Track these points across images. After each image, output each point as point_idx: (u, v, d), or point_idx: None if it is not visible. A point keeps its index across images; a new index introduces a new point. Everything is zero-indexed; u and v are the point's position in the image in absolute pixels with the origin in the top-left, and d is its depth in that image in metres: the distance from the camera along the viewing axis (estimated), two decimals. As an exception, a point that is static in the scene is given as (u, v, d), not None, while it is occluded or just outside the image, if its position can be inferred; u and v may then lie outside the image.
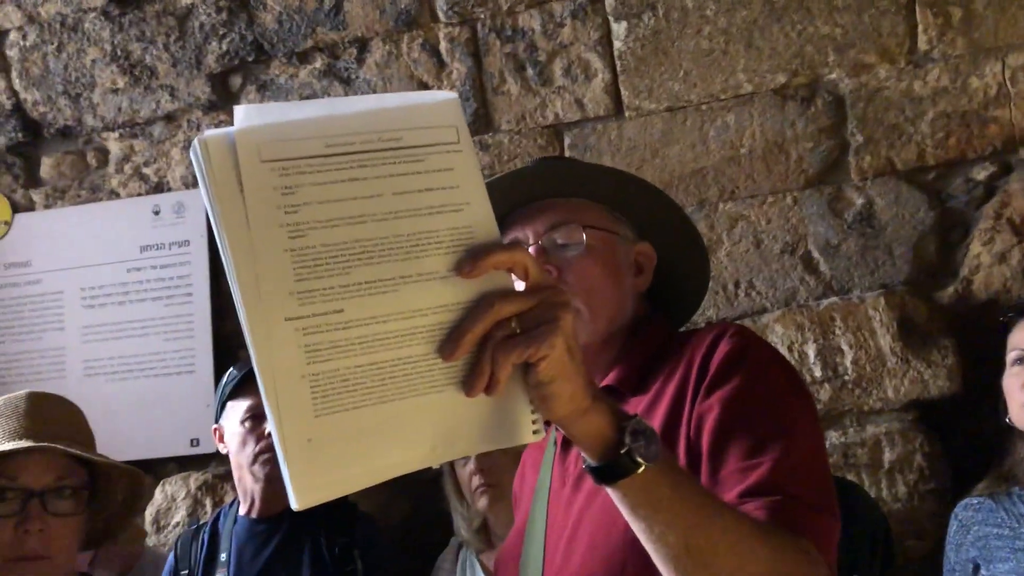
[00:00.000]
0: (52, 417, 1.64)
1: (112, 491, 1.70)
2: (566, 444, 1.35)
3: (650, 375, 1.31)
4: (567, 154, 3.04)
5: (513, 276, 0.86)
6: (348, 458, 0.82)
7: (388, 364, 0.80)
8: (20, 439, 1.54)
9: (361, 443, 0.81)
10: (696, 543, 0.94)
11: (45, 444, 1.56)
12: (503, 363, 0.82)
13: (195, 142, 0.74)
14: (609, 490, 0.94)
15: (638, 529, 0.96)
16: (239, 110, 0.75)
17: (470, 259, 0.82)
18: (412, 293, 0.80)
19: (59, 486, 1.58)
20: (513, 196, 1.41)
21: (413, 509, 3.00)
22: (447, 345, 0.82)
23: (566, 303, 0.84)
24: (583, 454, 0.95)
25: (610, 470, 0.91)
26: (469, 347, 0.82)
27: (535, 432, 0.88)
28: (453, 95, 0.83)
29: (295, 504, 0.81)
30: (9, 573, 1.51)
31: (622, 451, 0.90)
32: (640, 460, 0.90)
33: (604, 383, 1.34)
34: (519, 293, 0.84)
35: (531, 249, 1.36)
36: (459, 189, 0.81)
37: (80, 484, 1.61)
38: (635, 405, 1.28)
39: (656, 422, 1.21)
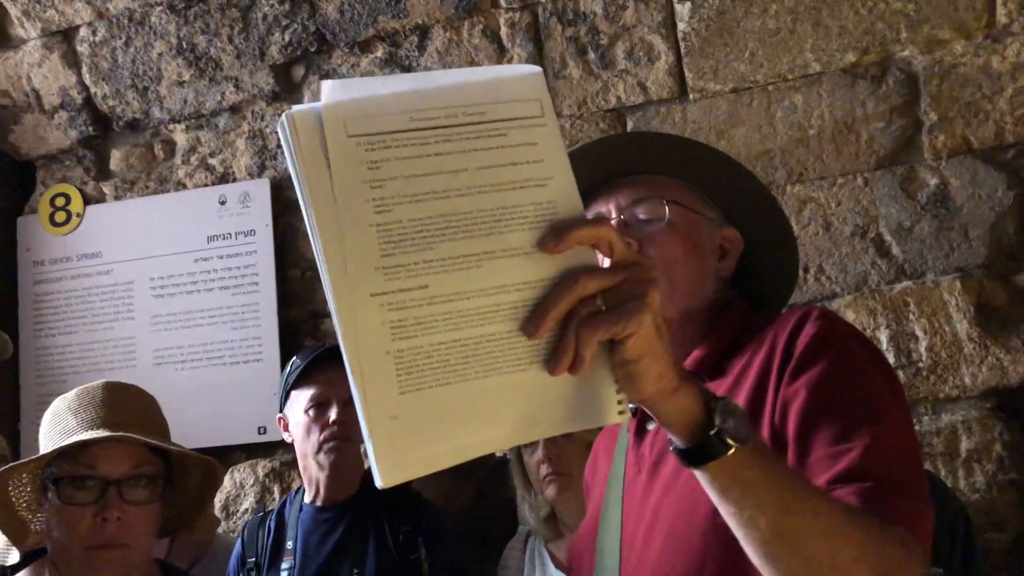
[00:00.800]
0: (128, 407, 1.67)
1: (187, 480, 1.73)
2: (639, 432, 1.33)
3: (730, 359, 1.29)
4: (630, 138, 3.00)
5: (598, 252, 0.85)
6: (431, 437, 0.81)
7: (471, 341, 0.80)
8: (98, 429, 1.57)
9: (444, 422, 0.81)
10: (787, 527, 0.92)
11: (123, 434, 1.58)
12: (588, 341, 0.80)
13: (283, 117, 0.76)
14: (697, 473, 0.92)
15: (727, 513, 0.93)
16: (326, 85, 0.76)
17: (554, 234, 0.80)
18: (496, 269, 0.79)
19: (136, 474, 1.60)
20: (598, 169, 1.37)
21: (476, 496, 3.00)
22: (530, 322, 0.80)
23: (653, 279, 0.82)
24: (670, 436, 0.92)
25: (699, 452, 0.89)
26: (552, 324, 0.80)
27: (620, 412, 0.85)
28: (537, 68, 0.82)
29: (379, 483, 0.79)
30: (89, 561, 1.54)
31: (712, 432, 0.88)
32: (731, 441, 0.88)
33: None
34: (604, 269, 0.83)
35: (612, 223, 1.32)
36: (543, 163, 0.80)
37: (156, 473, 1.64)
38: (714, 389, 1.23)
39: None
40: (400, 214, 0.77)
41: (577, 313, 0.80)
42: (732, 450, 0.88)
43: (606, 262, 0.85)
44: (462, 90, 0.78)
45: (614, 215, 1.34)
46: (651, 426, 1.31)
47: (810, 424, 1.10)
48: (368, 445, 0.80)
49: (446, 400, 0.80)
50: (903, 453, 1.09)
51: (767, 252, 1.45)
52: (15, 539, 1.56)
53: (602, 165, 1.37)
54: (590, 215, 1.36)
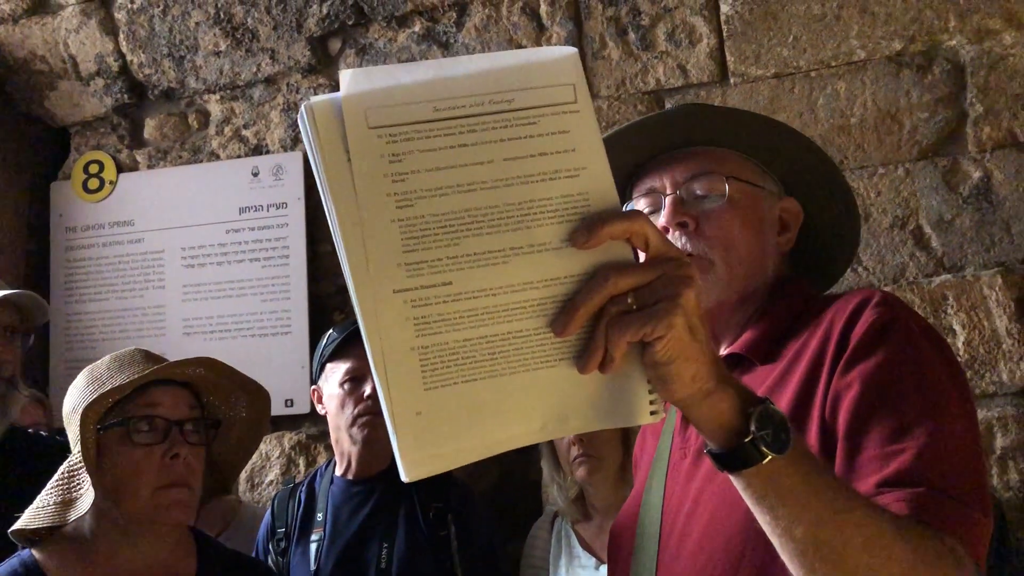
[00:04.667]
0: (164, 360, 1.69)
1: (228, 432, 1.75)
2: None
3: (783, 343, 1.22)
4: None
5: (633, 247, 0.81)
6: (457, 432, 0.80)
7: (498, 338, 0.78)
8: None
9: (470, 418, 0.80)
10: (825, 538, 0.87)
11: (207, 357, 1.68)
12: (617, 341, 0.77)
13: (302, 108, 0.72)
14: (732, 477, 0.88)
15: (763, 519, 0.89)
16: (345, 75, 0.73)
17: (585, 229, 0.77)
18: (523, 265, 0.76)
19: (193, 417, 1.63)
20: (653, 142, 1.32)
21: (502, 477, 3.00)
22: (559, 320, 0.78)
23: (688, 277, 0.78)
24: (705, 438, 0.89)
25: (733, 458, 0.85)
26: (582, 323, 0.78)
27: (653, 413, 0.82)
28: (572, 50, 0.76)
29: (404, 476, 0.79)
30: (158, 501, 1.56)
31: (746, 439, 0.84)
32: (766, 450, 0.84)
33: (731, 349, 1.26)
34: (637, 266, 0.79)
35: (667, 199, 1.28)
36: (575, 153, 0.76)
37: (204, 418, 1.68)
38: (764, 375, 1.20)
39: (786, 396, 1.13)
40: (423, 209, 0.74)
41: (608, 312, 0.78)
42: (767, 459, 0.84)
43: (643, 256, 0.81)
44: (489, 77, 0.74)
45: (669, 190, 1.29)
46: None
47: (861, 420, 1.04)
48: (392, 439, 0.79)
49: (473, 396, 0.79)
50: (961, 454, 1.02)
51: (827, 224, 1.39)
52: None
53: (656, 139, 1.32)
54: (644, 189, 1.33)
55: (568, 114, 0.75)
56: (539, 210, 0.76)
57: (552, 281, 0.77)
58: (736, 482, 0.88)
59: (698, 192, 1.29)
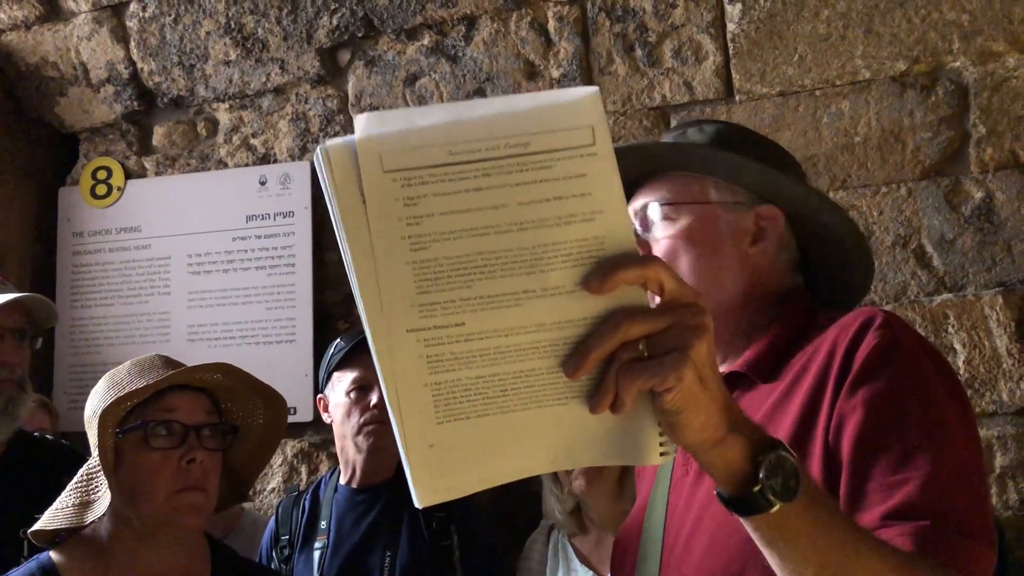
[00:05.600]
0: (184, 366, 1.70)
1: (244, 441, 1.77)
2: None
3: (785, 360, 1.22)
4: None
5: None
6: (468, 464, 0.82)
7: (510, 376, 0.79)
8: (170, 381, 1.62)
9: (482, 450, 0.81)
10: None
11: (226, 363, 1.69)
12: (627, 388, 0.77)
13: (318, 149, 0.72)
14: (741, 520, 0.88)
15: (771, 560, 0.89)
16: (360, 118, 0.72)
17: (598, 274, 0.76)
18: (536, 308, 0.77)
19: (210, 422, 1.64)
20: (628, 172, 1.36)
21: (501, 488, 3.00)
22: (570, 362, 0.78)
23: (701, 326, 0.78)
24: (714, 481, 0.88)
25: (742, 504, 0.85)
26: (593, 366, 0.78)
27: (663, 454, 0.82)
28: (594, 90, 0.75)
29: (418, 504, 0.82)
30: (174, 505, 1.58)
31: (755, 489, 0.83)
32: (774, 499, 0.83)
33: (733, 368, 1.27)
34: (650, 312, 0.78)
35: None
36: (591, 197, 0.75)
37: (221, 424, 1.70)
38: (766, 394, 1.20)
39: (789, 417, 1.13)
40: (437, 251, 0.74)
41: (619, 357, 0.77)
42: (776, 507, 0.83)
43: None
44: (505, 120, 0.73)
45: (635, 221, 1.34)
46: None
47: (865, 447, 1.04)
48: (406, 468, 0.81)
49: (484, 430, 0.80)
50: (964, 483, 1.02)
51: (827, 232, 1.36)
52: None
53: (632, 165, 1.34)
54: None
55: (585, 157, 0.74)
56: (553, 254, 0.76)
57: (565, 323, 0.77)
58: (745, 524, 0.88)
59: (652, 219, 1.33)
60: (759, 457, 0.84)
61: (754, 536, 0.89)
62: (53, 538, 1.60)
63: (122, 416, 1.60)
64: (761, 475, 0.83)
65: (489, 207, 0.74)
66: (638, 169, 1.37)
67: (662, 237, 1.31)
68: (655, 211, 1.32)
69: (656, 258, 0.79)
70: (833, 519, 0.90)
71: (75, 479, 1.61)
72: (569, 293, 0.76)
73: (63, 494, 1.61)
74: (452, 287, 0.76)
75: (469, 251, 0.75)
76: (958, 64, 2.77)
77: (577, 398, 0.80)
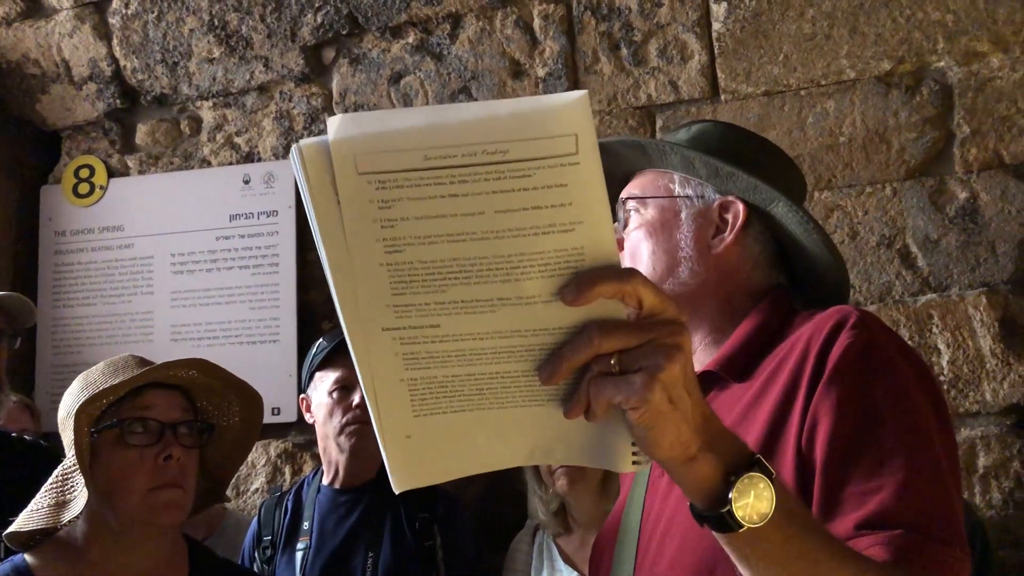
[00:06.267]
0: (157, 365, 1.69)
1: (221, 438, 1.76)
2: None
3: (758, 360, 1.20)
4: (659, 136, 2.99)
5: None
6: (446, 453, 0.82)
7: (486, 376, 0.78)
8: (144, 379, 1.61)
9: (459, 442, 0.82)
10: None
11: (199, 359, 1.68)
12: (598, 400, 0.76)
13: (293, 148, 0.71)
14: (713, 533, 0.86)
15: (744, 572, 0.88)
16: (333, 120, 0.70)
17: (574, 287, 0.74)
18: (511, 315, 0.76)
19: (186, 419, 1.63)
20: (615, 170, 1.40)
21: (487, 487, 3.00)
22: (544, 369, 0.77)
23: (675, 345, 0.76)
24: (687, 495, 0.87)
25: (713, 520, 0.84)
26: (567, 375, 0.77)
27: (635, 463, 0.82)
28: (580, 95, 0.70)
29: (395, 488, 0.83)
30: (151, 502, 1.57)
31: (724, 510, 0.82)
32: (743, 521, 0.82)
33: (707, 367, 1.26)
34: (626, 327, 0.76)
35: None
36: (571, 207, 0.72)
37: (197, 421, 1.69)
38: (739, 393, 1.19)
39: (760, 418, 1.12)
40: (411, 255, 0.73)
41: (592, 368, 0.76)
42: (746, 527, 0.82)
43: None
44: (484, 126, 0.70)
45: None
46: None
47: (839, 453, 1.02)
48: (384, 456, 0.81)
49: (460, 425, 0.80)
50: (939, 490, 1.00)
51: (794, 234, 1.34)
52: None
53: (613, 168, 1.38)
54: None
55: (567, 167, 0.71)
56: (529, 264, 0.74)
57: (540, 331, 0.77)
58: (717, 537, 0.87)
59: (623, 216, 1.37)
60: (731, 477, 0.82)
61: (726, 548, 0.88)
62: (29, 540, 1.58)
63: (97, 415, 1.58)
64: (732, 495, 0.82)
65: (465, 214, 0.72)
66: (616, 170, 1.40)
67: (631, 231, 1.34)
68: (625, 207, 1.36)
69: (636, 272, 0.77)
70: (807, 533, 0.88)
71: (50, 479, 1.59)
72: (545, 303, 0.75)
73: (38, 495, 1.59)
74: (427, 291, 0.75)
75: (444, 256, 0.73)
76: (942, 64, 2.78)
77: (553, 401, 0.79)
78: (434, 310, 0.75)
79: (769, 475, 0.83)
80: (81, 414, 1.54)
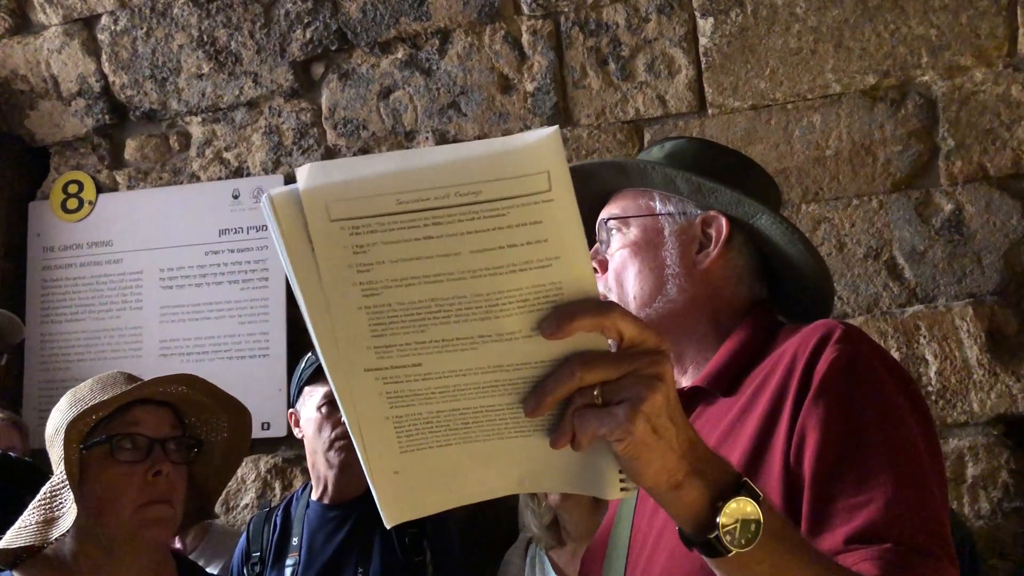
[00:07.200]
0: (149, 382, 1.69)
1: (210, 454, 1.75)
2: None
3: (744, 374, 1.21)
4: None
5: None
6: (435, 485, 0.83)
7: (471, 411, 0.79)
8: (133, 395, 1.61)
9: (448, 474, 0.82)
10: None
11: (189, 374, 1.68)
12: (583, 432, 0.77)
13: (263, 198, 0.71)
14: (702, 555, 0.86)
15: None
16: (302, 170, 0.70)
17: (554, 322, 0.74)
18: (492, 351, 0.76)
19: (174, 435, 1.63)
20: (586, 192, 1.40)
21: (479, 502, 3.00)
22: (529, 402, 0.78)
23: (656, 375, 0.76)
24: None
25: (701, 545, 0.84)
26: (551, 407, 0.77)
27: (623, 490, 0.82)
28: (550, 131, 0.70)
29: (386, 523, 0.83)
30: (140, 518, 1.57)
31: (711, 535, 0.82)
32: (731, 546, 0.82)
33: (694, 383, 1.27)
34: (607, 359, 0.77)
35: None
36: (547, 243, 0.72)
37: (187, 436, 1.69)
38: (726, 408, 1.20)
39: (747, 432, 1.13)
40: (389, 297, 0.73)
41: (575, 401, 0.77)
42: (734, 552, 0.82)
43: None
44: (455, 168, 0.70)
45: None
46: None
47: (827, 467, 1.03)
48: (373, 492, 0.82)
49: (448, 458, 0.81)
50: (926, 503, 1.01)
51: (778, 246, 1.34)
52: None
53: (581, 189, 1.38)
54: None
55: (540, 204, 0.71)
56: (507, 301, 0.74)
57: (523, 365, 0.77)
58: (707, 562, 0.87)
59: (606, 236, 1.37)
60: (718, 503, 0.82)
61: (716, 572, 0.88)
62: (15, 558, 1.58)
63: (86, 431, 1.58)
64: (720, 520, 0.82)
65: (440, 255, 0.72)
66: (596, 190, 1.40)
67: (615, 251, 1.34)
68: (607, 227, 1.36)
69: (614, 305, 0.77)
70: (797, 554, 0.88)
71: (38, 497, 1.59)
72: (526, 338, 0.75)
73: (26, 512, 1.58)
74: (407, 331, 0.75)
75: (422, 297, 0.73)
76: (927, 78, 2.80)
77: (539, 432, 0.80)
78: (415, 350, 0.75)
79: (756, 498, 0.83)
80: (71, 430, 1.54)
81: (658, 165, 1.34)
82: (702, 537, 0.83)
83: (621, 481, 0.82)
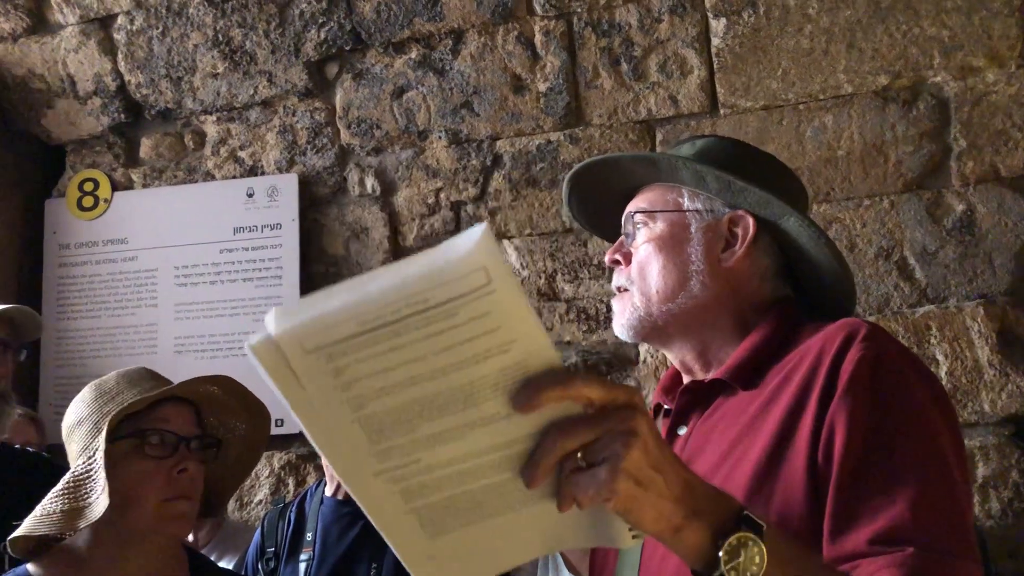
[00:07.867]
0: (166, 379, 1.71)
1: (227, 452, 1.78)
2: (669, 435, 1.30)
3: (766, 369, 1.22)
4: (658, 150, 3.02)
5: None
6: (470, 562, 0.90)
7: (479, 490, 0.84)
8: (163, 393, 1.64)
9: (478, 551, 0.89)
10: None
11: (225, 376, 1.71)
12: (577, 495, 0.80)
13: (247, 347, 0.76)
14: None
15: None
16: (269, 317, 0.76)
17: (524, 396, 0.78)
18: (481, 436, 0.81)
19: (200, 434, 1.68)
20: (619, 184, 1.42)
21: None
22: (525, 474, 0.81)
23: (630, 431, 0.79)
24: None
25: None
26: (548, 474, 0.80)
27: (634, 537, 0.86)
28: (479, 231, 0.74)
29: None
30: (163, 512, 1.60)
31: (716, 573, 0.84)
32: None
33: (715, 375, 1.27)
34: (582, 423, 0.80)
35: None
36: (501, 330, 0.77)
37: (205, 436, 1.72)
38: (746, 402, 1.21)
39: (769, 427, 1.14)
40: (376, 407, 0.79)
41: (564, 467, 0.80)
42: None
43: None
44: (401, 284, 0.75)
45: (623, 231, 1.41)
46: (682, 431, 1.29)
47: (853, 466, 1.04)
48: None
49: (473, 536, 0.87)
50: (951, 505, 1.02)
51: (803, 246, 1.34)
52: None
53: (613, 181, 1.41)
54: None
55: (484, 297, 0.75)
56: (480, 387, 0.78)
57: (512, 442, 0.81)
58: None
59: (632, 229, 1.38)
60: (719, 540, 0.85)
61: None
62: (33, 548, 1.60)
63: (114, 425, 1.61)
64: (722, 556, 0.84)
65: (409, 361, 0.77)
66: (623, 183, 1.41)
67: (640, 244, 1.35)
68: (633, 220, 1.37)
69: (575, 375, 0.79)
70: None
71: (59, 485, 1.61)
72: (506, 417, 0.80)
73: (46, 500, 1.60)
74: (399, 433, 0.80)
75: (405, 400, 0.78)
76: (939, 79, 2.81)
77: (546, 497, 0.84)
78: (412, 447, 0.80)
79: (759, 529, 0.85)
80: (103, 422, 1.57)
81: (689, 161, 1.35)
82: (710, 573, 0.85)
83: (630, 530, 0.86)
